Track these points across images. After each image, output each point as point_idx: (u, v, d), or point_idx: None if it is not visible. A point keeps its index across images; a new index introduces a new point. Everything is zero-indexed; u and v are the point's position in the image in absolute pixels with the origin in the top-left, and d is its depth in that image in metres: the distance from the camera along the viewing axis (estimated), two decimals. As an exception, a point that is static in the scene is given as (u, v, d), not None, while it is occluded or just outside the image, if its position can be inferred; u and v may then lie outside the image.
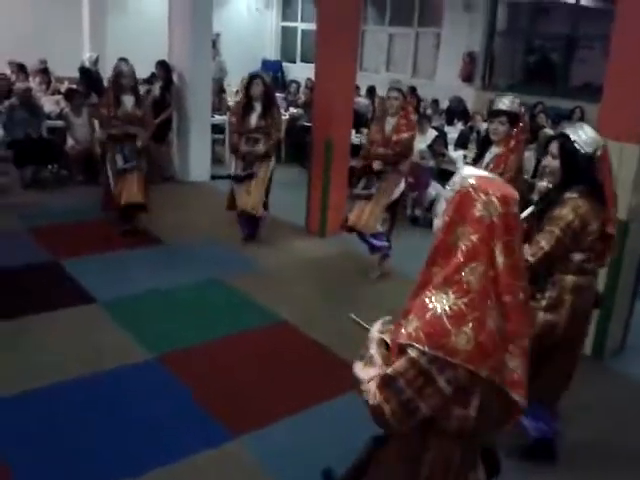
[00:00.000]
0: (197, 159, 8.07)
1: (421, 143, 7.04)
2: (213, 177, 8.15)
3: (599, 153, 2.75)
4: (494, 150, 4.00)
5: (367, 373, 1.62)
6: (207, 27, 7.88)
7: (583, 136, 2.74)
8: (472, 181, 1.54)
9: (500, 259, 1.49)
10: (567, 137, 2.77)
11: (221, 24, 12.04)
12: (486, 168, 4.06)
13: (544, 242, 2.72)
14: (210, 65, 8.37)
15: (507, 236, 1.50)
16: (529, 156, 7.15)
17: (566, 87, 10.71)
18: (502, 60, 11.79)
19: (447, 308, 1.47)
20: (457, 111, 10.04)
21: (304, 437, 3.17)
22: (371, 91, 10.78)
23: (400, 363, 1.50)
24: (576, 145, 2.72)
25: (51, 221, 6.12)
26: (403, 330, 1.52)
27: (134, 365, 3.73)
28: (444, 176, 6.52)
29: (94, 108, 6.84)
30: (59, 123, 7.79)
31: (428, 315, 1.48)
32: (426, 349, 1.45)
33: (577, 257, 2.79)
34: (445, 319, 1.46)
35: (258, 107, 5.55)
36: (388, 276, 5.29)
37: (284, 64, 15.14)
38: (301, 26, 15.02)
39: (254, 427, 3.21)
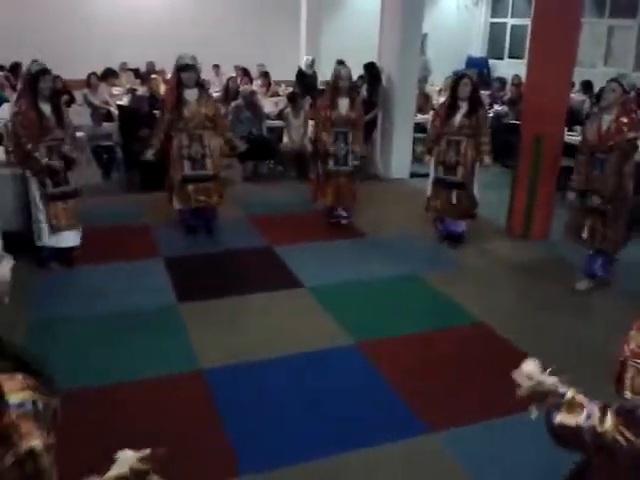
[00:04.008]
0: (398, 157, 8.26)
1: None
2: (412, 175, 8.29)
3: None
4: None
5: (578, 417, 1.46)
6: (417, 29, 8.00)
7: None
8: None
9: None
10: None
11: (429, 23, 12.10)
12: None
13: None
14: (417, 66, 8.48)
15: None
16: None
17: None
18: None
19: None
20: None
21: (501, 444, 3.06)
22: (587, 86, 10.02)
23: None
24: None
25: (266, 210, 6.74)
26: (625, 346, 1.46)
27: (337, 348, 3.96)
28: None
29: (313, 110, 7.34)
30: (277, 123, 8.47)
31: None
32: None
33: None
34: None
35: (464, 106, 5.46)
36: (602, 289, 4.83)
37: (490, 61, 14.75)
38: (511, 21, 14.49)
39: (451, 424, 3.20)
